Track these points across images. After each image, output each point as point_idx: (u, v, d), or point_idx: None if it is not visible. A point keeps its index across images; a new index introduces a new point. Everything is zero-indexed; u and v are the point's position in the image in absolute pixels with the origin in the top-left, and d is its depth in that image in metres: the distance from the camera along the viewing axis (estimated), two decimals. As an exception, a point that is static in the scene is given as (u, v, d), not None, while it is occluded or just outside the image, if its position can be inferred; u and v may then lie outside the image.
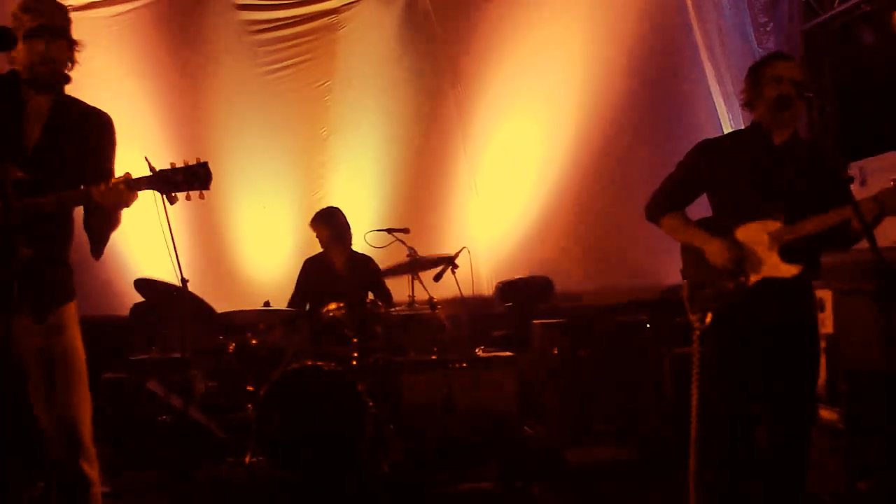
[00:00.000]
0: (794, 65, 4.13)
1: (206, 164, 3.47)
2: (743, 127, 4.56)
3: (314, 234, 7.16)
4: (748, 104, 4.20)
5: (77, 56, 3.70)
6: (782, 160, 4.04)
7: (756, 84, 4.12)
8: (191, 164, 3.46)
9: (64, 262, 3.70)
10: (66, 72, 3.69)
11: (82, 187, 3.43)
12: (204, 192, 3.48)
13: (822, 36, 8.19)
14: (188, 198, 3.48)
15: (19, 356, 3.46)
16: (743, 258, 4.00)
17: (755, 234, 3.99)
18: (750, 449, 4.02)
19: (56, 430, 3.50)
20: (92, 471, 3.59)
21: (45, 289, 3.52)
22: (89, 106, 3.79)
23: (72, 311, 3.67)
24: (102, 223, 3.67)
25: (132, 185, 3.40)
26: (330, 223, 7.08)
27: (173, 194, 3.48)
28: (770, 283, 3.96)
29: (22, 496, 4.27)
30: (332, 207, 7.21)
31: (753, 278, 3.98)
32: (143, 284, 6.55)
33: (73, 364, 3.59)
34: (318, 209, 7.27)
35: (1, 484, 3.16)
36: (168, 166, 3.45)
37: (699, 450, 4.24)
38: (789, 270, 3.95)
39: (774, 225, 3.96)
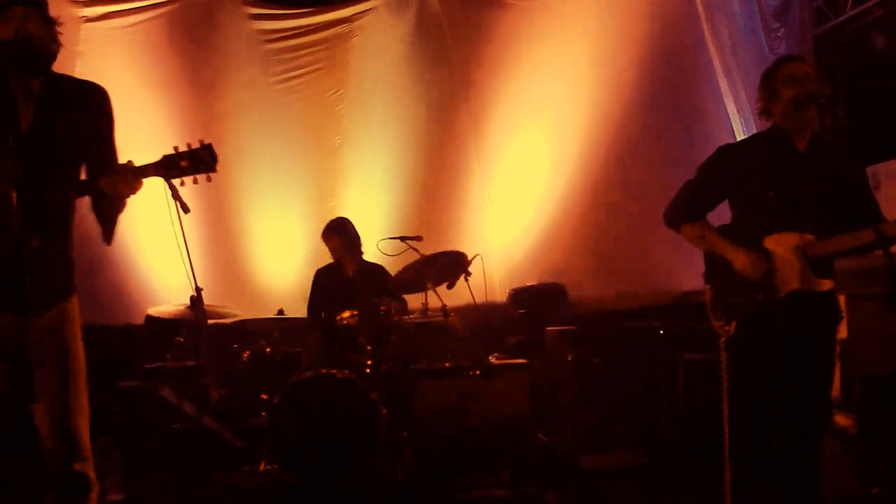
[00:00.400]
0: (806, 65, 4.12)
1: (209, 145, 3.39)
2: (756, 131, 4.53)
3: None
4: (764, 112, 4.16)
5: (59, 37, 3.60)
6: (808, 167, 4.01)
7: (771, 88, 4.09)
8: (195, 146, 3.38)
9: (65, 256, 3.60)
10: (52, 51, 3.58)
11: (83, 178, 3.36)
12: (211, 174, 3.40)
13: (834, 41, 8.18)
14: (195, 181, 3.41)
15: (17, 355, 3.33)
16: (773, 270, 3.98)
17: (785, 246, 3.95)
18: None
19: (51, 430, 3.41)
20: (90, 472, 3.51)
21: (45, 283, 3.39)
22: (82, 80, 3.70)
23: (71, 308, 3.58)
24: (110, 208, 3.59)
25: (138, 173, 3.33)
26: (340, 234, 7.09)
27: (188, 206, 3.45)
28: (800, 294, 3.95)
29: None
30: (341, 218, 7.23)
31: (784, 290, 3.96)
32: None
33: (70, 364, 3.49)
34: (331, 217, 7.28)
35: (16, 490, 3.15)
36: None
37: (734, 458, 4.16)
38: (823, 285, 3.94)
39: (805, 238, 3.92)
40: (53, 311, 3.48)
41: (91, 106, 3.66)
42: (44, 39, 3.52)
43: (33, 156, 3.35)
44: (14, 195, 3.15)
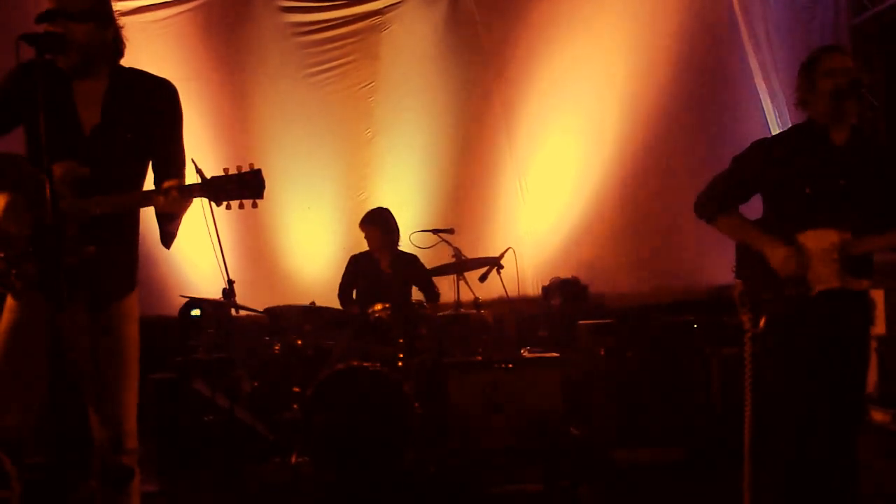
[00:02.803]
0: (848, 57, 4.04)
1: (258, 171, 3.30)
2: (791, 123, 4.46)
3: (361, 235, 7.15)
4: (802, 102, 4.09)
5: (123, 33, 3.57)
6: (846, 163, 3.95)
7: (809, 79, 4.02)
8: (243, 170, 3.31)
9: (125, 257, 3.61)
10: (115, 49, 3.56)
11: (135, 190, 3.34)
12: (257, 200, 3.33)
13: (873, 30, 8.07)
14: (241, 206, 3.34)
15: (72, 350, 3.38)
16: (807, 267, 3.91)
17: (820, 243, 3.89)
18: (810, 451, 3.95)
19: (100, 422, 3.47)
20: (134, 464, 3.56)
21: (102, 284, 3.44)
22: (150, 76, 3.67)
23: (128, 306, 3.58)
24: (163, 221, 3.56)
25: (184, 193, 3.30)
26: (379, 224, 7.06)
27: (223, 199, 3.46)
28: (834, 293, 3.89)
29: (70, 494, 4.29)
30: (382, 208, 7.19)
31: (818, 287, 3.90)
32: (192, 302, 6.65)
33: (124, 365, 3.52)
34: (363, 210, 7.27)
35: (57, 480, 3.16)
36: (215, 169, 3.33)
37: (753, 453, 4.14)
38: (859, 284, 3.88)
39: (841, 235, 3.86)
40: (109, 310, 3.50)
41: (157, 102, 3.64)
42: (96, 45, 3.46)
43: (96, 156, 3.36)
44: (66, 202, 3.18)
